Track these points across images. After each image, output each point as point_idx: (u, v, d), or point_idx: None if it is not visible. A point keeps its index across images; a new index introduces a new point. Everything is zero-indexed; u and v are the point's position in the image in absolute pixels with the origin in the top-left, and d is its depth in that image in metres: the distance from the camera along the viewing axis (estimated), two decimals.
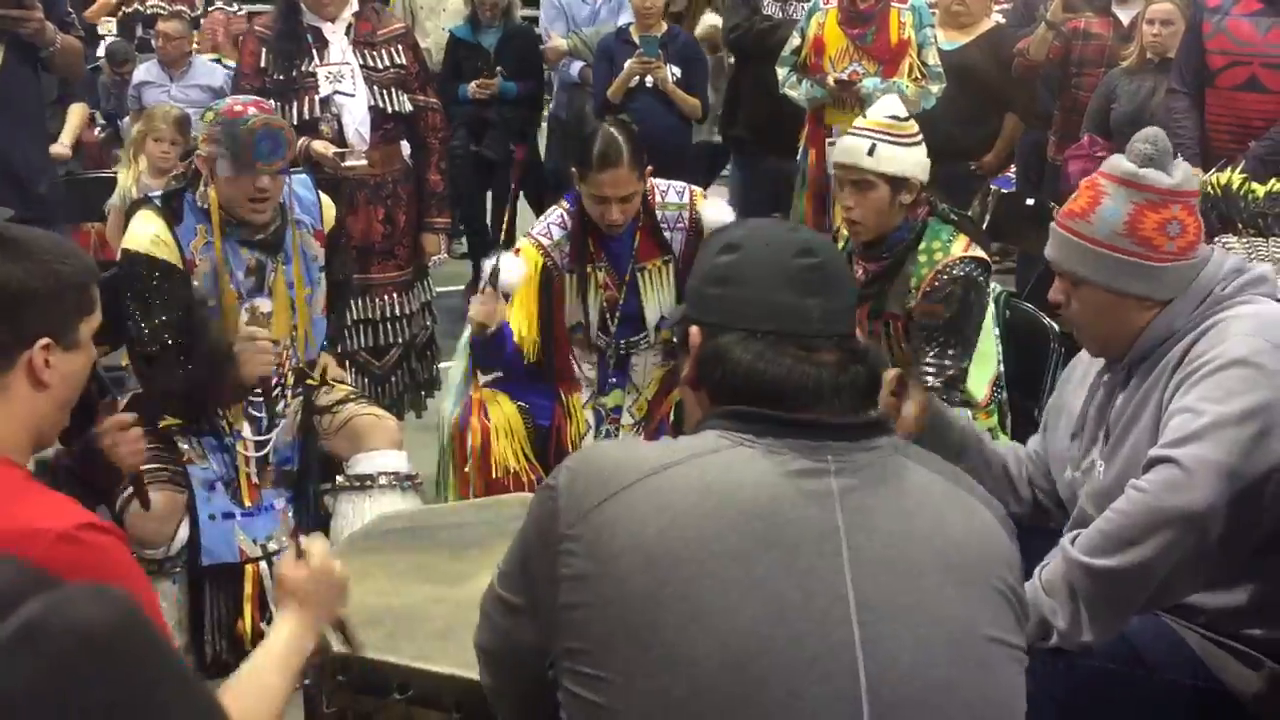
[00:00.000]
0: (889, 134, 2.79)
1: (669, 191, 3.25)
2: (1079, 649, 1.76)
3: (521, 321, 3.15)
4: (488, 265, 3.13)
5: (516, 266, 3.13)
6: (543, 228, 3.24)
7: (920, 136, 2.85)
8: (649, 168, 3.12)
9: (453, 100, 5.35)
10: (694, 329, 1.36)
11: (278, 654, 1.57)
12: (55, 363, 1.56)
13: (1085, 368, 2.11)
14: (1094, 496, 1.91)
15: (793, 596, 1.19)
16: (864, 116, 2.87)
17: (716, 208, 3.27)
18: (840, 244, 3.01)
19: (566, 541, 1.24)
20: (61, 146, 6.23)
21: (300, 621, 1.63)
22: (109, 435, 2.16)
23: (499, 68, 5.52)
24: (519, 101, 5.65)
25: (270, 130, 2.75)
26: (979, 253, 2.83)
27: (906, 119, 2.85)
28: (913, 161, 2.80)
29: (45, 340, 1.55)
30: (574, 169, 3.14)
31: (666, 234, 3.22)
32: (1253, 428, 1.71)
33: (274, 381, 2.94)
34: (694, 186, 3.33)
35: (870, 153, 2.76)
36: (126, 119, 6.26)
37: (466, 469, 3.08)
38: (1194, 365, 1.80)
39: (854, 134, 2.83)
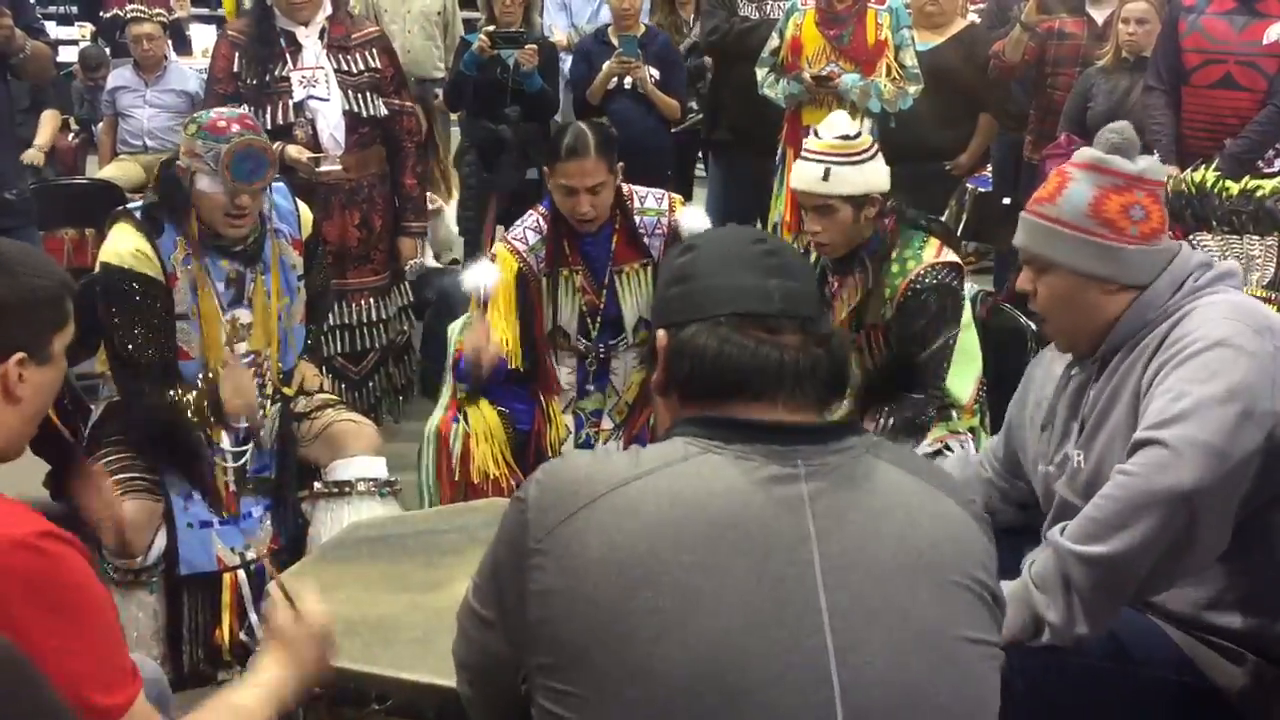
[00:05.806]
0: (841, 155, 2.79)
1: (648, 198, 3.23)
2: (1073, 643, 1.76)
3: (503, 330, 3.13)
4: (472, 279, 3.11)
5: (492, 273, 3.11)
6: (518, 232, 3.22)
7: (875, 150, 2.85)
8: (620, 164, 3.12)
9: (467, 119, 4.98)
10: (660, 333, 1.36)
11: (256, 695, 1.54)
12: (28, 377, 1.55)
13: (1048, 365, 2.13)
14: (1079, 487, 1.91)
15: (765, 605, 1.18)
16: (816, 138, 2.87)
17: (694, 215, 3.27)
18: (813, 257, 3.00)
19: (536, 555, 1.22)
20: (37, 150, 6.19)
21: (284, 671, 1.60)
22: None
23: (522, 71, 4.74)
24: (533, 114, 4.88)
25: (252, 151, 2.71)
26: (951, 257, 2.84)
27: (857, 136, 2.84)
28: (869, 178, 2.80)
29: (20, 355, 1.54)
30: (545, 167, 3.14)
31: (645, 240, 3.20)
32: (1236, 407, 1.72)
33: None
34: (673, 194, 3.33)
35: (825, 177, 2.78)
36: (100, 124, 6.22)
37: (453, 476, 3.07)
38: (1174, 349, 1.81)
39: (807, 159, 2.84)
